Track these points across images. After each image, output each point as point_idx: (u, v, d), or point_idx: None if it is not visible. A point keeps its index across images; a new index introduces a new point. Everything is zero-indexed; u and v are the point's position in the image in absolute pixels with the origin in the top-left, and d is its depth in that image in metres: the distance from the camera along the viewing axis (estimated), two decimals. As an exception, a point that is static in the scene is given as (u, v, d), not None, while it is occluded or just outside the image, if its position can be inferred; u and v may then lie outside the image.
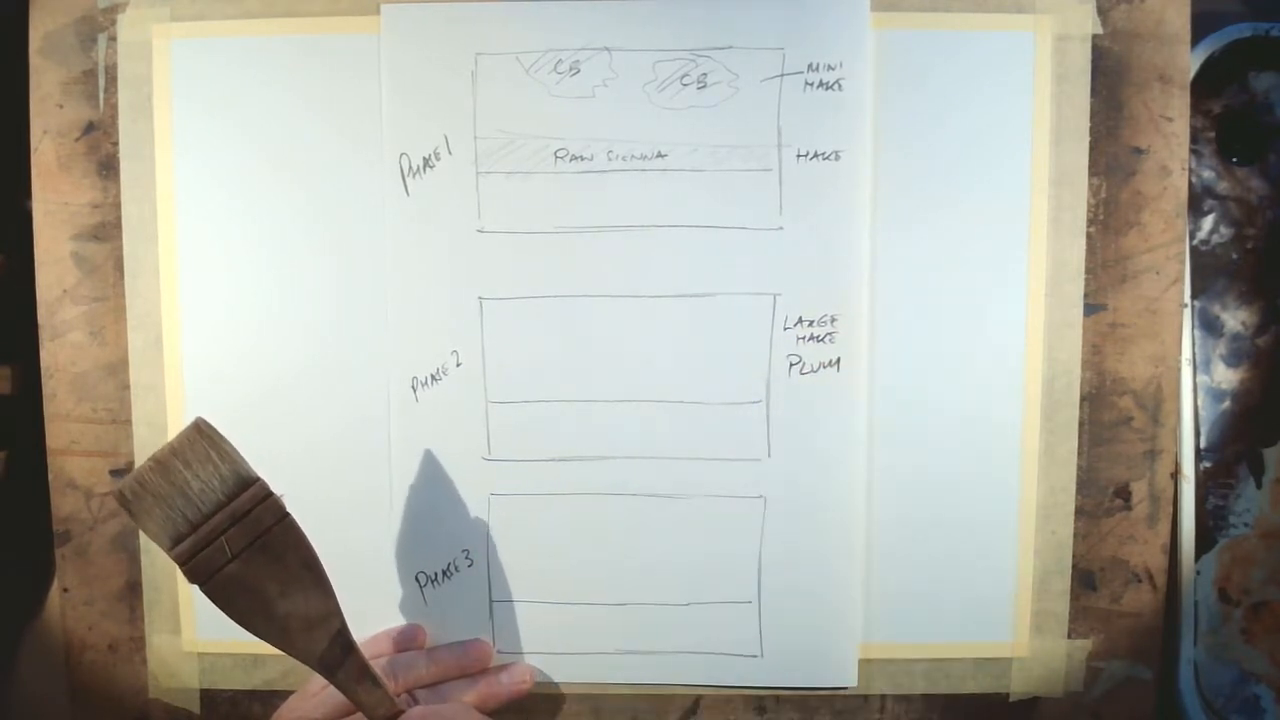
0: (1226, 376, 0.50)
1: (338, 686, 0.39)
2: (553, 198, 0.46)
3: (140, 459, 0.48)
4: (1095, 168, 0.47)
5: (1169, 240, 0.47)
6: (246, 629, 0.38)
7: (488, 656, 0.47)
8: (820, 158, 0.46)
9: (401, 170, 0.47)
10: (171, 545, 0.37)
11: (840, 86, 0.46)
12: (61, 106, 0.47)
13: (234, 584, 0.38)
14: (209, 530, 0.37)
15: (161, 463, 0.37)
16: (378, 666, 0.41)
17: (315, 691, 0.43)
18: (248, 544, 0.38)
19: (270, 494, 0.38)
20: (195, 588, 0.38)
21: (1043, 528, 0.47)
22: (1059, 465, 0.47)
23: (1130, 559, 0.48)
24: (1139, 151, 0.47)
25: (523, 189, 0.46)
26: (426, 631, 0.47)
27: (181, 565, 0.37)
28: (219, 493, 0.38)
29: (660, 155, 0.46)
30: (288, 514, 0.39)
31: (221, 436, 0.38)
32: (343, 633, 0.39)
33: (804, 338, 0.46)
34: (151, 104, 0.47)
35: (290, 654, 0.39)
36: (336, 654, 0.39)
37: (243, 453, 0.38)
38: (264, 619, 0.38)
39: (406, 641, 0.47)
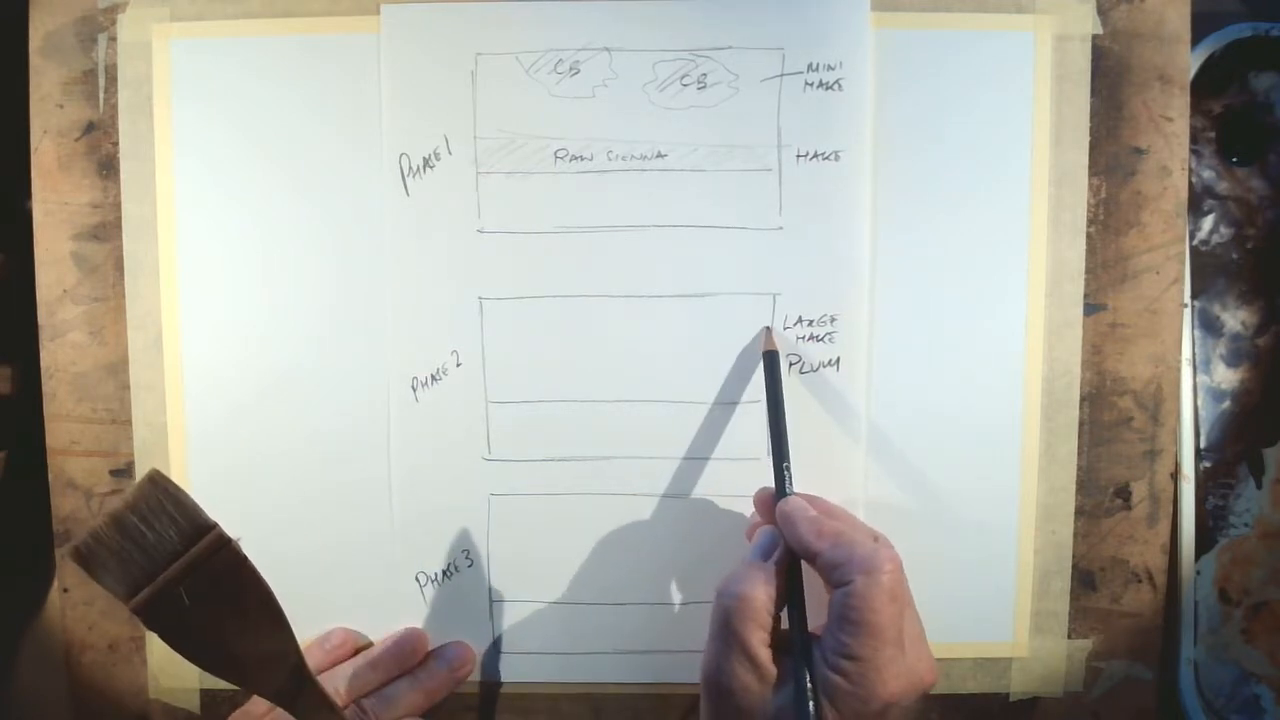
0: (1226, 376, 0.50)
1: (296, 717, 0.40)
2: (553, 198, 0.46)
3: (140, 459, 0.48)
4: (1095, 168, 0.47)
5: (1169, 240, 0.47)
6: (206, 670, 0.39)
7: (423, 644, 0.47)
8: (820, 158, 0.46)
9: (401, 170, 0.47)
10: (129, 596, 0.37)
11: (840, 86, 0.46)
12: (61, 106, 0.47)
13: (193, 629, 0.38)
14: (166, 580, 0.37)
15: (117, 518, 0.37)
16: (326, 684, 0.41)
17: (261, 713, 0.43)
18: (205, 591, 0.37)
19: (227, 540, 0.38)
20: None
21: (1043, 528, 0.47)
22: (1059, 465, 0.47)
23: (1130, 559, 0.48)
24: (1139, 151, 0.47)
25: (523, 189, 0.46)
26: (427, 633, 0.47)
27: (139, 615, 0.37)
28: (175, 543, 0.37)
29: (660, 155, 0.46)
30: (245, 558, 0.38)
31: (176, 486, 0.38)
32: (300, 666, 0.40)
33: (804, 337, 0.46)
34: (151, 104, 0.47)
35: (249, 690, 0.39)
36: (293, 687, 0.39)
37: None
38: (223, 660, 0.39)
39: (407, 648, 0.46)
